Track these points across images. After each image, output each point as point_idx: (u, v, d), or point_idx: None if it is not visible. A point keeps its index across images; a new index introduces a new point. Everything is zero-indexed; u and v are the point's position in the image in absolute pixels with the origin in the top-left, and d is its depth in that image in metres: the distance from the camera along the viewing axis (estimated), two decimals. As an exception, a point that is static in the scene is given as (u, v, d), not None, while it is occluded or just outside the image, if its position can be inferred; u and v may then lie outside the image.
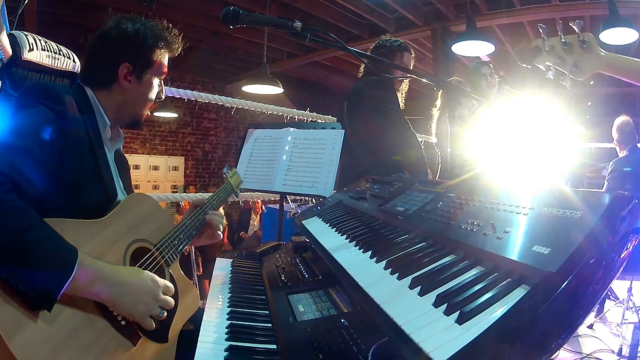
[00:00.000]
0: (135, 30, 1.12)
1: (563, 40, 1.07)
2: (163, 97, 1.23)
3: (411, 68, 2.46)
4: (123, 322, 0.90)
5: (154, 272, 0.99)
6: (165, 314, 0.96)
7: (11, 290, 0.74)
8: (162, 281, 0.97)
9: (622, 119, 3.51)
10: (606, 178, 3.49)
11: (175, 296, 1.02)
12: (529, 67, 1.16)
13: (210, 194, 1.45)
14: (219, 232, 1.33)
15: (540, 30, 1.10)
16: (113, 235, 0.97)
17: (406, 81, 2.46)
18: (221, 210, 1.44)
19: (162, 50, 1.17)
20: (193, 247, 3.15)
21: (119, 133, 1.20)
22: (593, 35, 1.06)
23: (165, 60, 1.19)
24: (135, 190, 1.25)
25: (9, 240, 0.75)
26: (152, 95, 1.19)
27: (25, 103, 0.97)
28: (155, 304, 0.93)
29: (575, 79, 1.09)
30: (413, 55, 2.45)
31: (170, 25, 1.20)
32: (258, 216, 6.67)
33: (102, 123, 1.11)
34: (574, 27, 1.06)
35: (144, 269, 0.99)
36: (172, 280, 1.09)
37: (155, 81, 1.18)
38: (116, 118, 1.15)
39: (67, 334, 0.79)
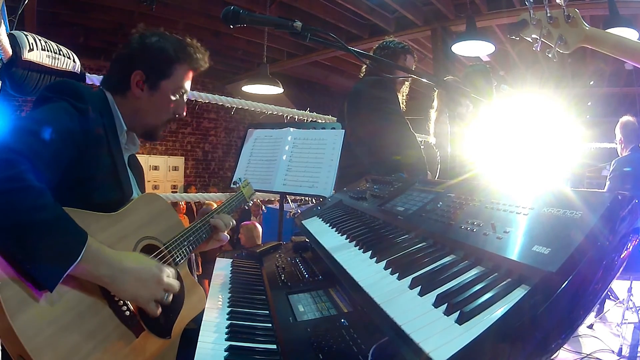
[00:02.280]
0: (156, 41, 1.14)
1: (549, 14, 1.12)
2: (183, 114, 1.22)
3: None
4: (127, 313, 0.91)
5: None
6: (171, 297, 0.97)
7: (18, 269, 0.75)
8: (165, 267, 0.98)
9: (625, 118, 3.50)
10: (608, 177, 3.48)
11: (181, 294, 1.04)
12: (517, 38, 1.22)
13: (210, 194, 1.46)
14: (224, 234, 1.34)
15: (527, 3, 1.15)
16: (123, 230, 0.99)
17: (407, 83, 2.46)
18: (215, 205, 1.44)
19: (182, 65, 1.16)
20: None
21: (135, 140, 1.22)
22: (577, 10, 1.11)
23: (187, 77, 1.19)
24: (160, 195, 1.27)
25: (23, 216, 0.76)
26: (167, 108, 1.17)
27: (50, 97, 1.00)
28: (158, 288, 0.94)
29: (561, 51, 1.15)
30: (416, 58, 2.46)
31: (198, 44, 1.20)
32: (258, 218, 6.65)
33: (119, 127, 1.13)
34: (559, 1, 1.11)
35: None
36: (179, 279, 1.10)
37: (171, 94, 1.16)
38: (131, 126, 1.16)
39: (70, 320, 0.80)
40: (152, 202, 1.14)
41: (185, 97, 1.21)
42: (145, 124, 1.18)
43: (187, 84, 1.20)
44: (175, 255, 1.11)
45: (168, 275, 0.98)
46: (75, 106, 0.99)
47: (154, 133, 1.20)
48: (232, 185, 1.60)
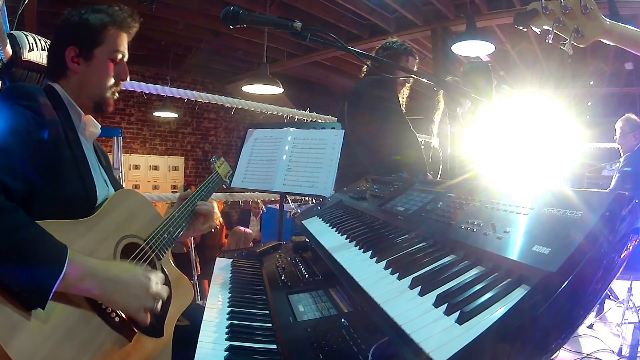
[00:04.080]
0: (80, 15, 1.13)
1: (563, 4, 1.04)
2: (126, 79, 1.21)
3: None
4: (117, 319, 0.90)
5: (145, 267, 1.00)
6: (160, 306, 0.97)
7: (5, 294, 0.74)
8: (154, 273, 0.98)
9: (627, 117, 3.48)
10: (617, 170, 3.44)
11: (169, 291, 1.03)
12: (525, 29, 1.12)
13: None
14: (211, 220, 1.35)
15: None
16: (102, 233, 0.98)
17: (408, 85, 2.46)
18: (215, 204, 1.44)
19: (111, 29, 1.15)
20: (193, 247, 3.15)
21: (94, 123, 1.20)
22: (594, 1, 1.03)
23: (120, 39, 1.17)
24: (136, 190, 1.26)
25: (0, 240, 0.75)
26: (107, 74, 1.16)
27: (2, 106, 0.99)
28: (148, 297, 0.94)
29: (578, 44, 1.07)
30: (417, 60, 2.46)
31: (127, 7, 1.20)
32: (258, 217, 6.66)
33: (75, 115, 1.12)
34: None
35: (135, 264, 1.00)
36: (164, 274, 1.10)
37: (108, 59, 1.15)
38: (79, 105, 1.14)
39: (62, 335, 0.79)
40: (128, 198, 1.13)
41: (124, 60, 1.21)
42: (91, 95, 1.15)
43: (123, 46, 1.19)
44: (157, 250, 1.10)
45: (157, 282, 0.97)
46: (29, 107, 0.98)
47: (102, 103, 1.18)
48: (212, 165, 1.58)
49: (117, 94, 1.21)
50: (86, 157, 1.11)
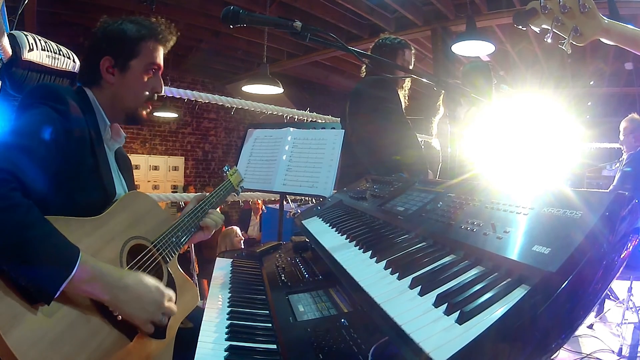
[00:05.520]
0: (117, 25, 1.14)
1: (562, 3, 1.04)
2: (161, 91, 1.22)
3: (412, 65, 2.46)
4: (119, 317, 0.90)
5: (151, 270, 1.00)
6: (167, 320, 0.97)
7: (10, 284, 0.75)
8: (167, 290, 0.98)
9: (631, 117, 3.48)
10: (620, 169, 3.44)
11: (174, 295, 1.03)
12: (524, 28, 1.13)
13: (206, 194, 1.44)
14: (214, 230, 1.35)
15: None
16: (109, 233, 0.98)
17: (408, 79, 2.45)
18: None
19: (148, 42, 1.16)
20: (192, 247, 3.15)
21: (120, 133, 1.21)
22: (592, 0, 1.04)
23: (156, 52, 1.18)
24: (146, 193, 1.27)
25: (11, 236, 0.76)
26: (143, 87, 1.17)
27: (30, 104, 1.00)
28: (158, 312, 0.94)
29: (576, 43, 1.08)
30: (414, 52, 2.46)
31: (163, 19, 1.20)
32: (258, 217, 6.66)
33: (102, 123, 1.13)
34: None
35: (141, 266, 1.00)
36: (170, 277, 1.10)
37: (144, 72, 1.16)
38: (112, 115, 1.16)
39: (63, 329, 0.79)
40: (136, 200, 1.12)
41: (159, 73, 1.21)
42: (125, 107, 1.17)
43: (159, 59, 1.19)
44: (164, 253, 1.10)
45: (169, 299, 0.97)
46: (57, 109, 0.99)
47: (136, 116, 1.19)
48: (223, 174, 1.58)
49: (150, 107, 1.21)
50: (109, 164, 1.12)
